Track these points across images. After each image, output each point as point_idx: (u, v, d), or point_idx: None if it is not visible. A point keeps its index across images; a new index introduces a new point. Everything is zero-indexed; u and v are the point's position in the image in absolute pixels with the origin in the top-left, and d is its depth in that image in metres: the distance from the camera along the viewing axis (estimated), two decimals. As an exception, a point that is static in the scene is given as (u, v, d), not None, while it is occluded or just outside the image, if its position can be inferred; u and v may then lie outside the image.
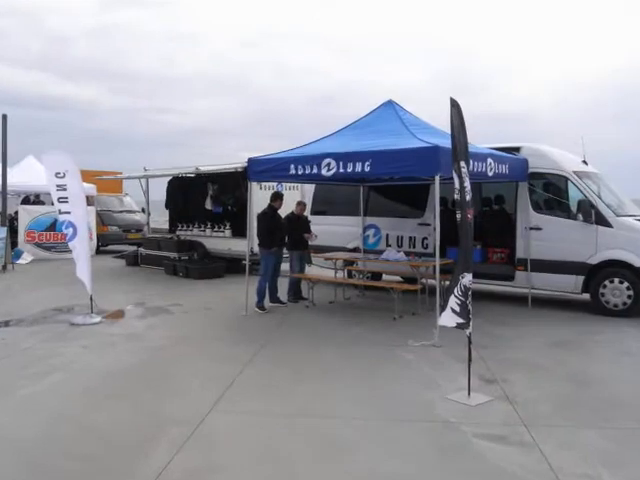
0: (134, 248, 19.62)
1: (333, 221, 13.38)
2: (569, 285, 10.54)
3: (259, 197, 12.86)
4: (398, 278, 12.91)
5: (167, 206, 19.08)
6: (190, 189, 18.05)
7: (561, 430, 5.35)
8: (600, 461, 4.73)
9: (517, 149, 11.02)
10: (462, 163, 6.28)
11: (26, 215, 19.52)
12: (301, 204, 12.03)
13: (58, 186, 10.29)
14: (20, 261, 18.17)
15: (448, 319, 6.28)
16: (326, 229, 12.89)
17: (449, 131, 6.55)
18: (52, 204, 11.18)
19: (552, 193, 10.91)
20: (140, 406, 6.01)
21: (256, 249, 12.00)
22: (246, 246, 11.48)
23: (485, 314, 9.87)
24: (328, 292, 11.86)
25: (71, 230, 10.27)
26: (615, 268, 10.14)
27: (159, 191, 19.73)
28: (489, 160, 9.35)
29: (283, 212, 11.49)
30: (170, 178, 18.41)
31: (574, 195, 10.62)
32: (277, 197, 11.26)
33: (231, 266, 15.48)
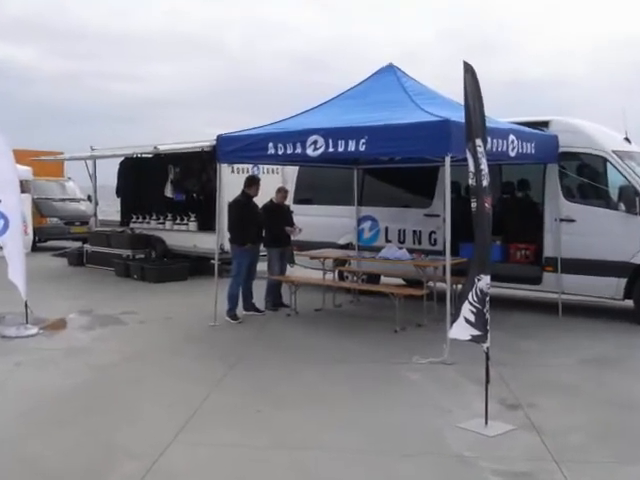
0: (79, 244, 19.53)
1: (321, 211, 13.35)
2: (608, 289, 10.55)
3: (231, 182, 12.80)
4: (400, 281, 12.91)
5: (119, 193, 19.00)
6: (147, 172, 17.97)
7: (599, 466, 5.34)
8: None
9: (545, 124, 11.03)
10: (478, 141, 6.26)
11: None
12: (282, 191, 11.98)
13: (-16, 169, 10.20)
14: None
15: (461, 331, 6.26)
16: (312, 221, 12.86)
17: (462, 102, 6.54)
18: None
19: (588, 177, 10.93)
20: (86, 435, 5.98)
21: (227, 246, 11.95)
22: (215, 242, 11.43)
23: (506, 325, 9.87)
24: (314, 298, 11.83)
25: (1, 222, 10.20)
26: (664, 269, 10.18)
27: (109, 175, 19.65)
28: (511, 137, 9.35)
29: (260, 201, 11.46)
30: (122, 159, 18.33)
31: (614, 180, 10.63)
32: (252, 182, 11.22)
33: (197, 266, 15.44)
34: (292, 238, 11.93)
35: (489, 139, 7.66)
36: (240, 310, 10.99)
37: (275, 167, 15.25)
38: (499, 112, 10.30)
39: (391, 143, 8.71)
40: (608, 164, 10.66)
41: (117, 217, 19.63)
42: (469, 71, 6.40)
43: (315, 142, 9.16)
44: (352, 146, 8.86)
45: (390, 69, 10.39)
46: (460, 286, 7.79)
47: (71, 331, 10.21)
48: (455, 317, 6.33)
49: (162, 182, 17.38)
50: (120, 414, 6.55)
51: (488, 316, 6.11)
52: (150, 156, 17.44)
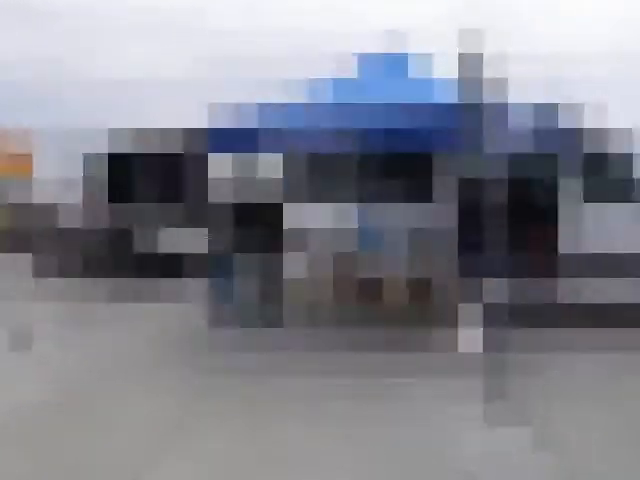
0: None
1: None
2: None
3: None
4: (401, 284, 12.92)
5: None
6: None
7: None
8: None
9: (562, 109, 11.06)
10: (486, 129, 6.31)
11: None
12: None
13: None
14: None
15: (469, 338, 6.30)
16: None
17: (469, 85, 6.57)
18: None
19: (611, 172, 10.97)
20: (54, 456, 5.89)
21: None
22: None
23: (524, 330, 9.86)
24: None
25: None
26: None
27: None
28: (523, 124, 9.38)
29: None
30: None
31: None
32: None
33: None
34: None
35: (497, 127, 7.70)
36: (223, 315, 11.04)
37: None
38: (511, 95, 10.32)
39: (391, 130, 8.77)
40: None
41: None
42: (473, 48, 6.44)
43: (307, 138, 9.23)
44: (349, 138, 8.93)
45: (388, 54, 10.42)
46: (468, 290, 7.82)
47: (36, 338, 10.25)
48: (466, 324, 6.38)
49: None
50: (92, 430, 6.52)
51: (500, 322, 6.14)
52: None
